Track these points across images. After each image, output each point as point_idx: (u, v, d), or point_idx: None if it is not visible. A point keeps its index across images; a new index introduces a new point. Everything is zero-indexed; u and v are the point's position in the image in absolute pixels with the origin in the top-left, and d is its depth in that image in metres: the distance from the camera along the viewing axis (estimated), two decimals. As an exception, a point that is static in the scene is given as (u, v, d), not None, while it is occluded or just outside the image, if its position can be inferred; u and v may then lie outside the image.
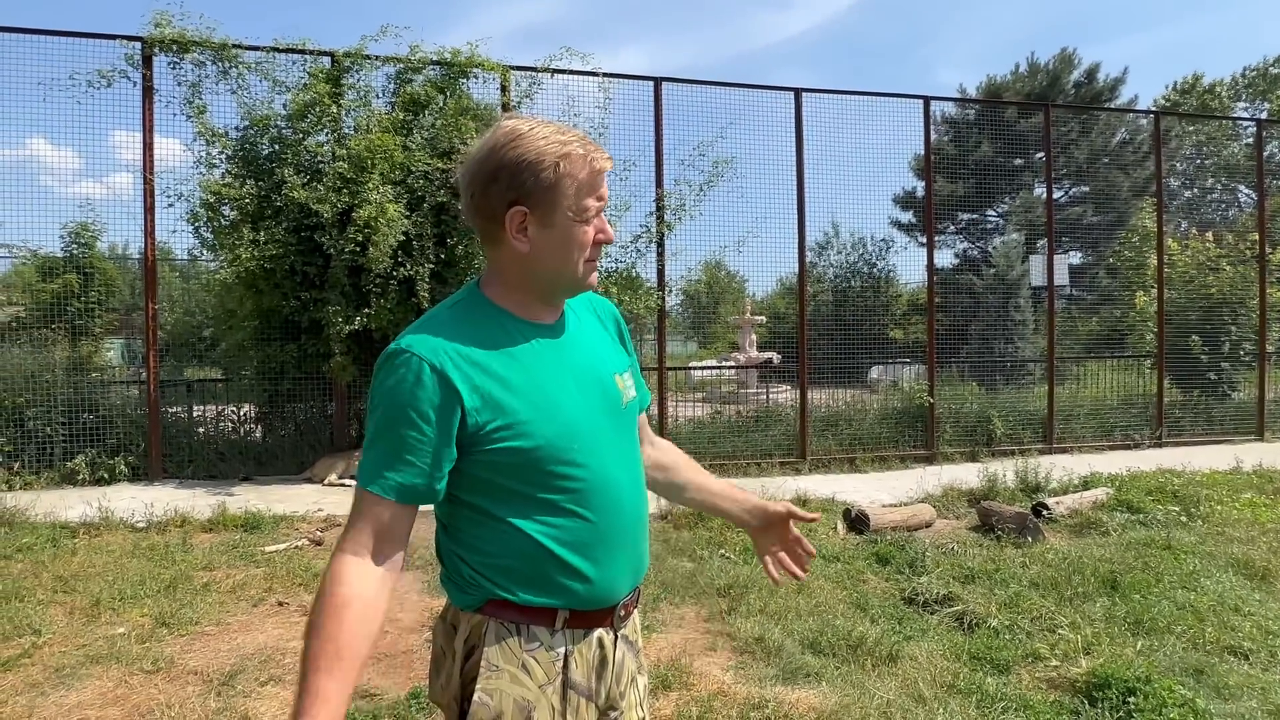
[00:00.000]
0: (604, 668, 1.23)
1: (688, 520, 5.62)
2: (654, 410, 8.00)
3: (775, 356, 11.84)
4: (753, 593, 4.09)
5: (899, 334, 13.15)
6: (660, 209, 7.94)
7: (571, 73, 7.79)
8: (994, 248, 15.25)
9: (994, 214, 19.06)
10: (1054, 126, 9.54)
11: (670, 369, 8.73)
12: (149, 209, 7.08)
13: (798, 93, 8.33)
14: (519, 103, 7.66)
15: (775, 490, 6.42)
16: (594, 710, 1.22)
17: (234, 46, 7.08)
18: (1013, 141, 14.05)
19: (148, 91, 7.03)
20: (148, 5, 6.93)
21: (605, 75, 7.85)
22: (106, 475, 6.87)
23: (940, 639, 3.55)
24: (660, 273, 8.03)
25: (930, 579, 4.27)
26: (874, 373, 10.87)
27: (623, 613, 1.26)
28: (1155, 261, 9.95)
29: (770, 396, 9.94)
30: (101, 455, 6.95)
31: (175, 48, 6.99)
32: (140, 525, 5.41)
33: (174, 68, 7.05)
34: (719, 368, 12.66)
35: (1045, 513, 5.64)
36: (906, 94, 8.89)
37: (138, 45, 6.98)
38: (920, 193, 14.96)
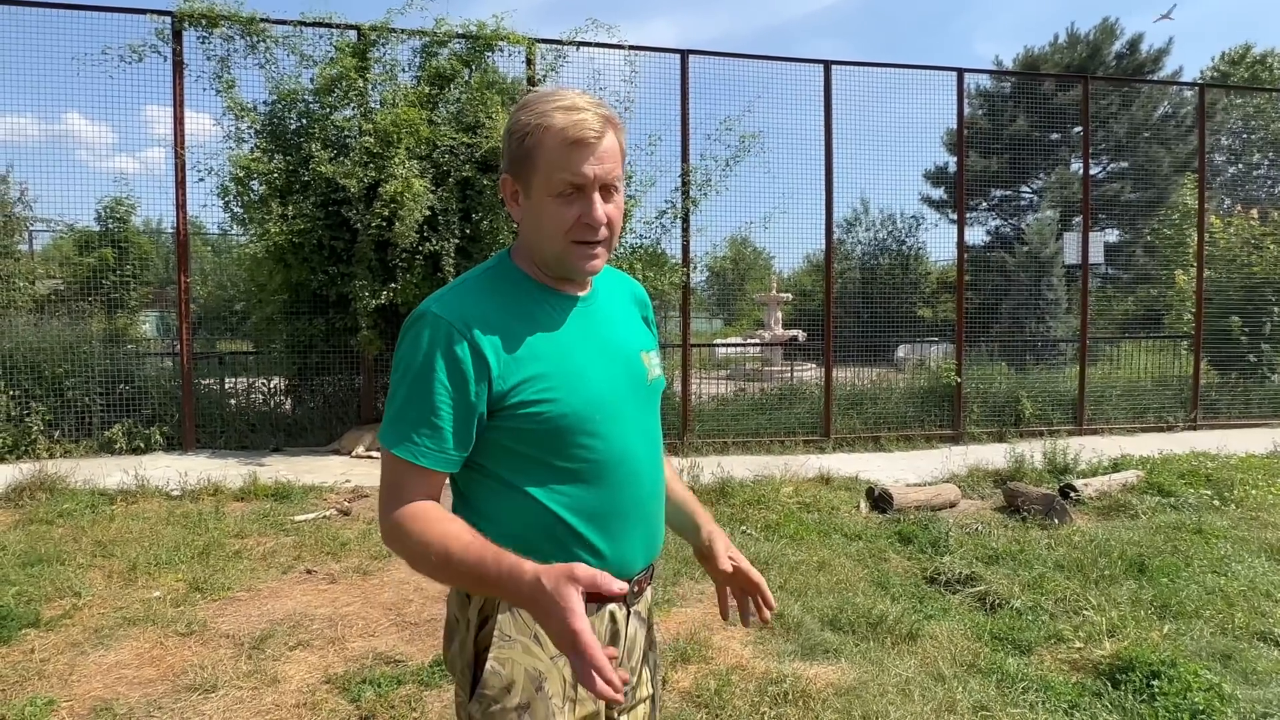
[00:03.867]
0: (615, 642, 1.24)
1: (709, 496, 5.64)
2: (676, 389, 8.01)
3: (801, 334, 11.74)
4: (773, 569, 4.10)
5: (927, 312, 12.96)
6: (686, 184, 7.87)
7: (597, 45, 7.72)
8: (1027, 225, 14.92)
9: (1028, 190, 18.62)
10: (1093, 99, 9.27)
11: (694, 346, 8.71)
12: (180, 183, 7.17)
13: (827, 65, 8.17)
14: (544, 76, 7.61)
15: (798, 468, 6.40)
16: None
17: (262, 20, 7.10)
18: (1049, 115, 13.65)
19: (178, 66, 7.09)
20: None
21: (631, 48, 7.76)
22: (142, 444, 7.05)
23: (961, 619, 3.53)
24: (685, 249, 7.98)
25: (953, 559, 4.25)
26: (901, 351, 10.75)
27: (636, 588, 1.26)
28: (1196, 239, 9.67)
29: (795, 374, 9.88)
30: (137, 425, 7.13)
31: (204, 22, 7.03)
32: (175, 493, 5.55)
33: (203, 42, 7.10)
34: (744, 345, 12.61)
35: (1073, 494, 5.57)
36: (940, 66, 8.69)
37: (168, 20, 7.03)
38: (952, 168, 14.65)
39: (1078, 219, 10.40)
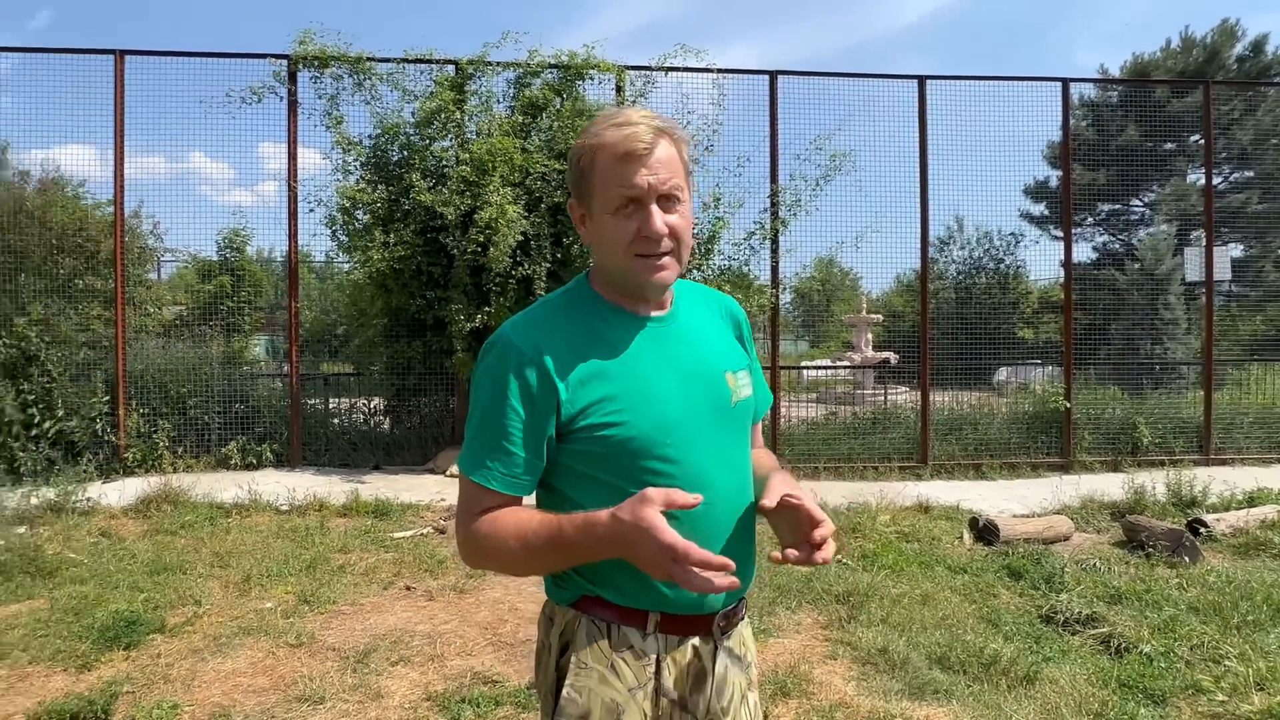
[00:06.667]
0: (702, 680, 1.18)
1: (802, 523, 5.48)
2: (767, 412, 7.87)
3: (893, 356, 11.37)
4: (873, 601, 3.93)
5: (1029, 334, 12.33)
6: (775, 205, 7.79)
7: (685, 70, 7.77)
8: (1140, 240, 14.05)
9: (1139, 204, 17.55)
10: (1214, 105, 8.66)
11: (783, 368, 8.55)
12: (292, 214, 7.61)
13: (921, 80, 7.97)
14: (633, 102, 7.72)
15: (895, 496, 6.16)
16: None
17: (368, 59, 7.50)
18: (1163, 124, 12.82)
19: (292, 105, 7.56)
20: (294, 25, 7.40)
21: (720, 71, 7.78)
22: (255, 460, 7.45)
23: (1084, 662, 3.28)
24: (774, 270, 7.88)
25: (1070, 597, 3.97)
26: (1001, 374, 10.25)
27: (723, 623, 1.20)
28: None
29: (888, 398, 9.56)
30: (250, 442, 7.54)
31: (316, 63, 7.47)
32: (283, 508, 5.82)
33: (315, 82, 7.55)
34: (834, 367, 12.32)
35: (1203, 530, 5.13)
36: (1041, 77, 8.32)
37: (284, 63, 7.51)
38: (1054, 182, 13.98)
39: (1196, 233, 9.69)
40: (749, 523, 1.24)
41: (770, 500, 1.16)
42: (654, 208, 1.10)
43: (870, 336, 13.07)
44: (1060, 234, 8.67)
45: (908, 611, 3.81)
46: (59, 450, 6.99)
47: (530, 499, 1.16)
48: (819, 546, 1.11)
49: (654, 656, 1.14)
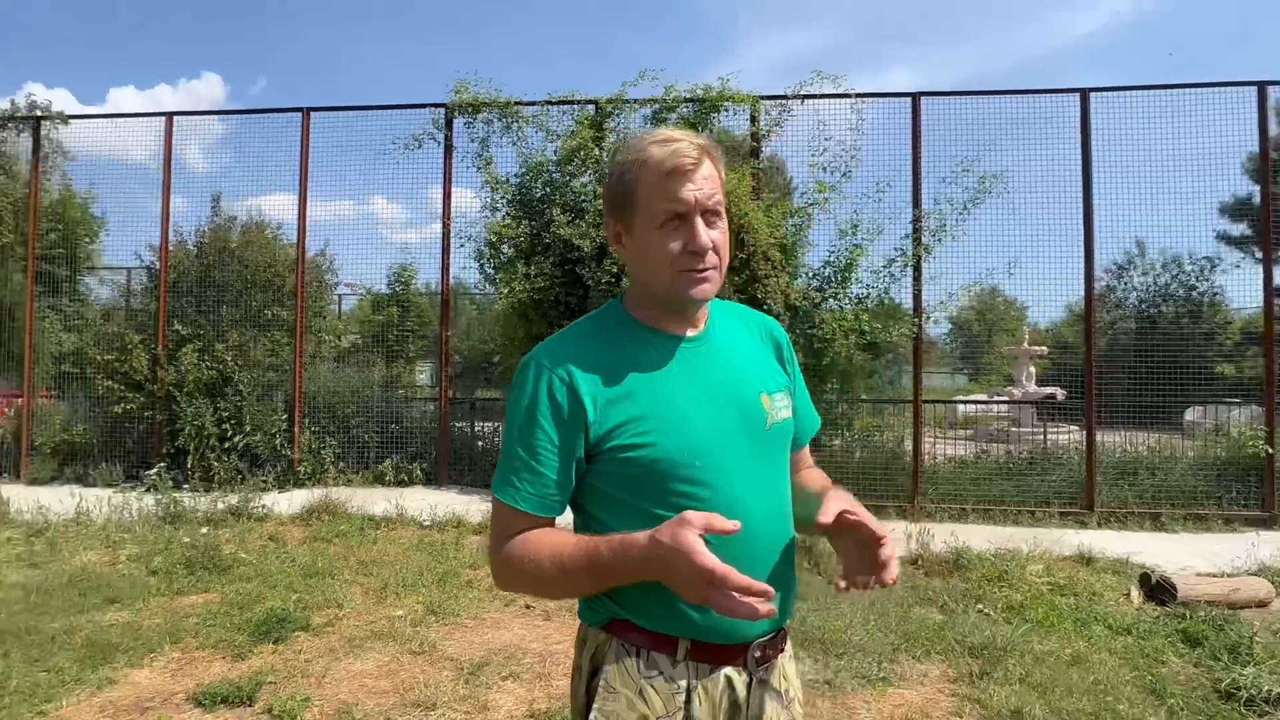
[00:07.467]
0: (735, 713, 1.13)
1: (940, 567, 5.12)
2: (906, 447, 7.46)
3: (1059, 392, 10.43)
4: (1012, 657, 3.58)
5: (1227, 369, 10.89)
6: (917, 230, 7.44)
7: (822, 97, 7.65)
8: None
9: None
10: None
11: (928, 402, 8.08)
12: (445, 249, 8.20)
13: (1084, 93, 7.36)
14: (768, 131, 7.69)
15: (1051, 544, 5.60)
16: None
17: (515, 104, 8.00)
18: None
19: (448, 149, 8.20)
20: (451, 76, 8.05)
21: (858, 96, 7.59)
22: (406, 478, 7.99)
23: (1270, 749, 2.81)
24: (916, 298, 7.50)
25: (1259, 671, 3.41)
26: (1190, 414, 9.10)
27: (758, 653, 1.15)
28: None
29: (1050, 437, 8.76)
30: (403, 461, 8.11)
31: (470, 109, 8.07)
32: (425, 524, 6.20)
33: (468, 127, 8.15)
34: (988, 402, 11.49)
35: None
36: (1232, 82, 7.43)
37: (441, 111, 8.17)
38: (1257, 199, 12.36)
39: None
40: (788, 549, 1.18)
41: (827, 516, 1.10)
42: (699, 222, 1.11)
43: (1033, 370, 12.08)
44: (1262, 255, 7.64)
45: (1052, 672, 3.44)
46: (245, 461, 7.86)
47: (562, 520, 1.17)
48: (885, 566, 1.07)
49: (684, 684, 1.11)
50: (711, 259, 1.12)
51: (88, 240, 10.86)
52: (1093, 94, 7.35)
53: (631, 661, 1.11)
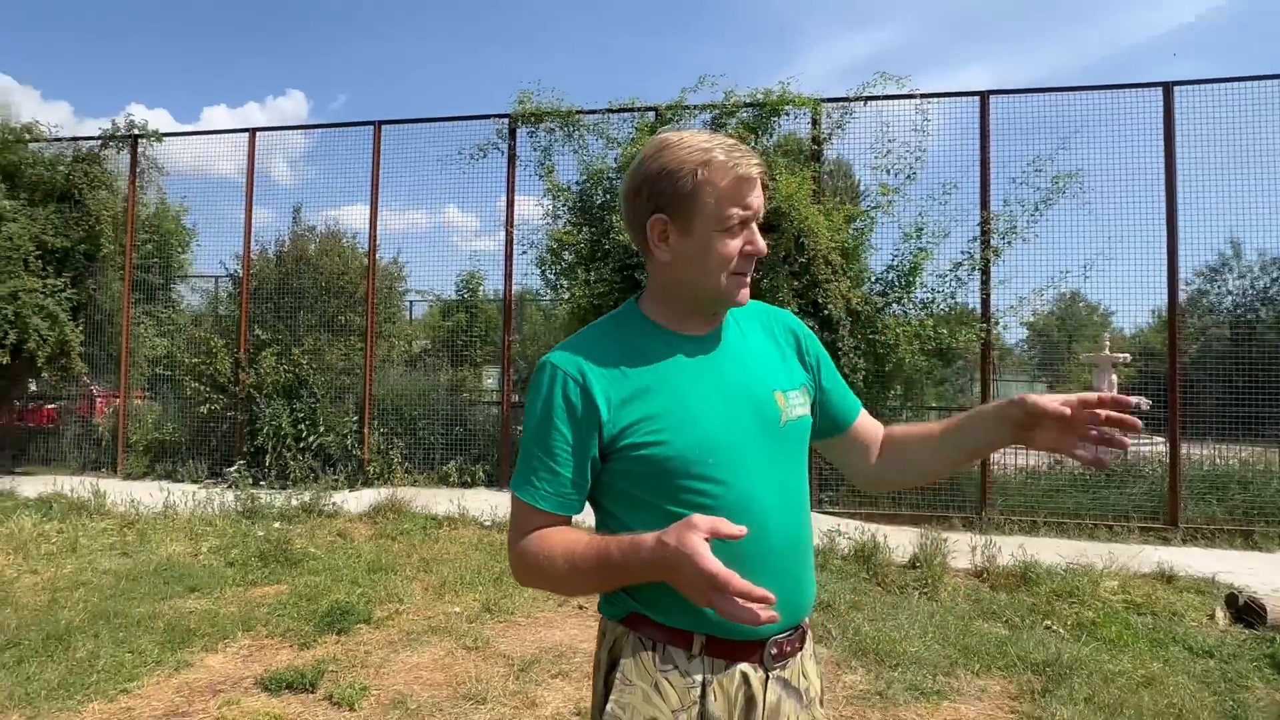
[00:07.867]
0: (752, 710, 1.13)
1: (1007, 581, 4.94)
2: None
3: (1144, 401, 9.90)
4: (1078, 676, 3.43)
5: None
6: (986, 233, 7.21)
7: (885, 98, 7.51)
8: None
9: None
10: None
11: (998, 410, 7.78)
12: (508, 256, 8.39)
13: (1167, 87, 7.00)
14: (829, 134, 7.59)
15: (1129, 560, 5.33)
16: None
17: (576, 112, 8.12)
18: None
19: (511, 158, 8.39)
20: (517, 84, 8.25)
21: (923, 96, 7.42)
22: (469, 479, 8.19)
23: (1364, 785, 2.61)
24: (985, 302, 7.26)
25: (1355, 701, 3.18)
26: (1289, 426, 8.51)
27: (775, 650, 1.15)
28: None
29: (1132, 449, 8.32)
30: (467, 462, 8.30)
31: (533, 119, 8.24)
32: (486, 524, 6.33)
33: (531, 136, 8.31)
34: (1065, 412, 10.96)
35: None
36: (1335, 70, 6.95)
37: (505, 121, 8.37)
38: (1369, 196, 11.44)
39: None
40: (804, 545, 1.19)
41: (1060, 409, 1.07)
42: (755, 226, 1.16)
43: (1115, 378, 11.49)
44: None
45: (1121, 693, 3.27)
46: (319, 461, 8.20)
47: (579, 518, 1.19)
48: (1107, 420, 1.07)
49: (699, 679, 1.12)
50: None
51: (180, 250, 11.52)
52: (1177, 88, 6.99)
53: (648, 655, 1.13)
